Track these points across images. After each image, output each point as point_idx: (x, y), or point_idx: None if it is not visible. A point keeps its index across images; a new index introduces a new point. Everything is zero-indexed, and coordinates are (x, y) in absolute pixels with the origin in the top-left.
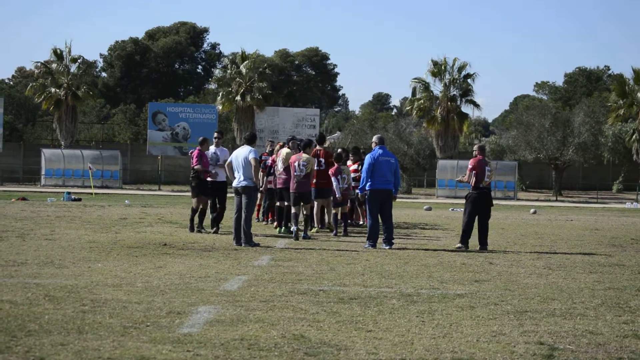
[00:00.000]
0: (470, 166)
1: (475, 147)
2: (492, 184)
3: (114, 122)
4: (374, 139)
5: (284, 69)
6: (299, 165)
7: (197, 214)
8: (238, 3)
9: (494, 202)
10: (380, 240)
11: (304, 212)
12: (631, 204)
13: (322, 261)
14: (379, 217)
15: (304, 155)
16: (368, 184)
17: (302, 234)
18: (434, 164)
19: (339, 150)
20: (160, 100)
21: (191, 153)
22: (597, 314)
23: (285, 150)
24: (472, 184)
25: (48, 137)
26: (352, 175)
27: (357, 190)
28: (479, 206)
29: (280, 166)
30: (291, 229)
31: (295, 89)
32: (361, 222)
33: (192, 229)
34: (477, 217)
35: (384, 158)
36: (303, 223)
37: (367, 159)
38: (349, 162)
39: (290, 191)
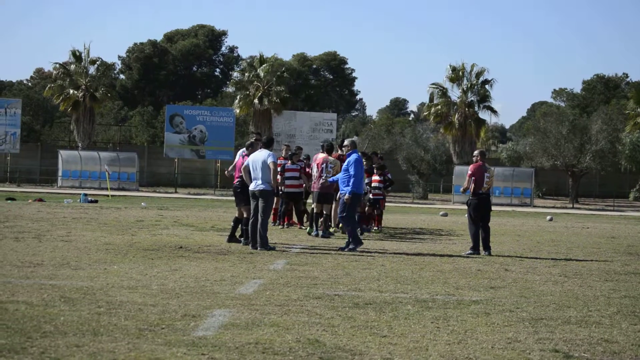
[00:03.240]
0: (469, 172)
1: (475, 153)
2: (508, 191)
3: (132, 124)
4: (348, 142)
5: (302, 73)
6: (326, 166)
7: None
8: (257, 6)
9: (510, 208)
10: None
11: (325, 212)
12: None
13: (337, 266)
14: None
15: (331, 158)
16: (353, 188)
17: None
18: (450, 170)
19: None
20: (178, 102)
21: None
22: (613, 322)
23: (322, 155)
24: (471, 190)
25: (65, 139)
26: (375, 184)
27: (346, 192)
28: (479, 212)
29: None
30: (314, 230)
31: (313, 93)
32: (375, 228)
33: (233, 239)
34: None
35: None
36: (322, 221)
37: (357, 163)
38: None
39: (315, 190)
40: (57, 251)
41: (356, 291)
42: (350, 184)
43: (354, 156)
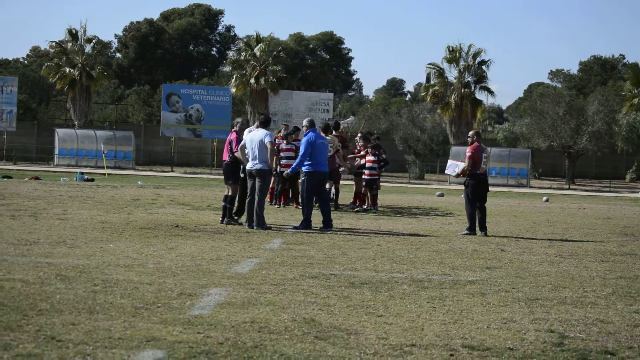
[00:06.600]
0: (469, 153)
1: (471, 133)
2: (505, 171)
3: (128, 103)
4: (305, 122)
5: (299, 53)
6: None
7: (230, 202)
8: None
9: (506, 189)
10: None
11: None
12: None
13: (333, 245)
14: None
15: (327, 137)
16: (308, 166)
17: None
18: (447, 150)
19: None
20: (175, 81)
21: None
22: (608, 302)
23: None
24: (468, 173)
25: (62, 117)
26: (370, 164)
27: (289, 170)
28: (477, 192)
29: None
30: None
31: (310, 72)
32: (365, 207)
33: (225, 220)
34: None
35: (321, 141)
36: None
37: (306, 141)
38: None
39: None
40: (53, 229)
41: (352, 271)
42: (296, 163)
43: (306, 136)
